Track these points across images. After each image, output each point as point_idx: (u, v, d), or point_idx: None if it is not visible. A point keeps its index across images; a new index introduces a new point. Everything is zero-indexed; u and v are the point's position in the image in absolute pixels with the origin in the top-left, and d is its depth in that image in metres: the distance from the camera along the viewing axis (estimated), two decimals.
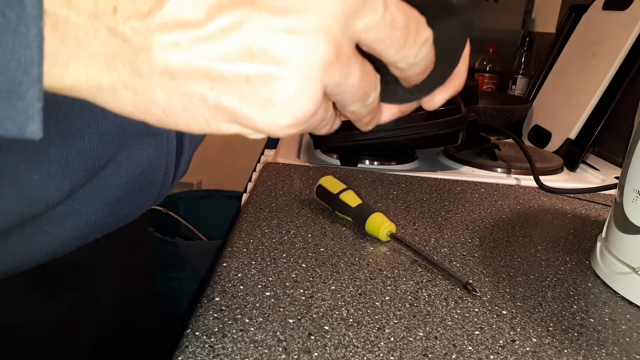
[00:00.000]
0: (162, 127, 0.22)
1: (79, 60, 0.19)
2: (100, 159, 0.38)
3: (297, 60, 0.20)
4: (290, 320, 0.38)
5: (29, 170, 0.34)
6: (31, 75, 0.19)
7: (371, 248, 0.50)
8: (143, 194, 0.45)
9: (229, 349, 0.34)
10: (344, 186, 0.57)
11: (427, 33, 0.24)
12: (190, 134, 0.24)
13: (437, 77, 0.31)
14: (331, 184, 0.58)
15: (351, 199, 0.55)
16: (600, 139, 0.87)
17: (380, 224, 0.51)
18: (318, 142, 0.76)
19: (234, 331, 0.36)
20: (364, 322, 0.38)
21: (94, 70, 0.20)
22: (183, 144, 0.46)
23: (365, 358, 0.34)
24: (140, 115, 0.22)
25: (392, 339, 0.37)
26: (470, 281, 0.45)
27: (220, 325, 0.36)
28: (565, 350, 0.37)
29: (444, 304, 0.41)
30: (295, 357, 0.34)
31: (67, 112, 0.34)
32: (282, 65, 0.20)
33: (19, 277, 0.45)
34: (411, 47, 0.24)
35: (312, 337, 0.36)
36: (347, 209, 0.55)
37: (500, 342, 0.37)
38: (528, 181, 0.76)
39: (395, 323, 0.38)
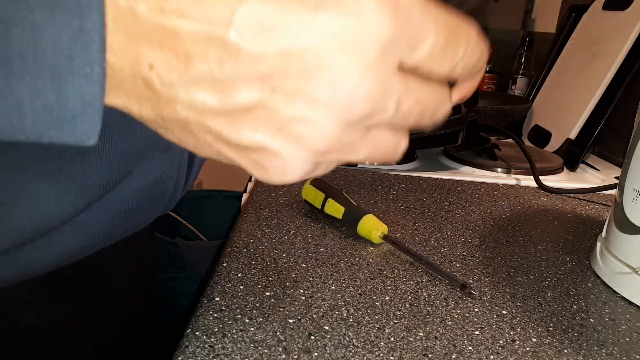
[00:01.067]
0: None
1: (117, 93, 0.23)
2: (116, 175, 0.38)
3: (287, 158, 0.24)
4: (290, 320, 0.38)
5: (45, 187, 0.35)
6: (94, 107, 0.22)
7: (371, 248, 0.50)
8: (152, 205, 0.45)
9: (229, 349, 0.34)
10: (323, 195, 0.55)
11: (444, 110, 0.27)
12: None
13: None
14: (312, 197, 0.56)
15: (335, 209, 0.54)
16: (600, 139, 0.87)
17: (370, 228, 0.51)
18: None
19: (234, 331, 0.36)
20: (364, 322, 0.38)
21: (127, 102, 0.24)
22: (194, 157, 0.46)
23: (365, 358, 0.34)
24: (161, 134, 0.26)
25: (392, 339, 0.37)
26: (470, 281, 0.45)
27: (220, 325, 0.36)
28: (565, 350, 0.37)
29: (444, 304, 0.41)
30: (295, 357, 0.34)
31: None
32: (275, 153, 0.24)
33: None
34: (426, 125, 0.27)
35: (312, 337, 0.36)
36: (336, 220, 0.54)
37: (500, 342, 0.37)
38: (528, 181, 0.76)
39: (395, 323, 0.38)
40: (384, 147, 0.26)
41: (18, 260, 0.39)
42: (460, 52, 0.25)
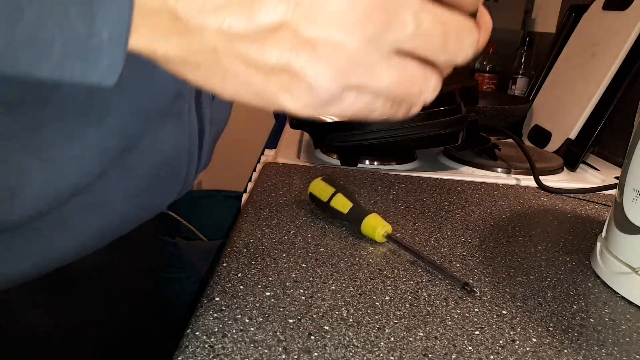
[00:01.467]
0: (201, 88, 0.27)
1: (143, 30, 0.24)
2: (131, 136, 0.38)
3: (311, 75, 0.24)
4: (290, 320, 0.38)
5: (60, 152, 0.34)
6: (121, 40, 0.23)
7: (371, 248, 0.50)
8: (167, 183, 0.45)
9: (229, 349, 0.34)
10: (333, 189, 0.55)
11: (473, 38, 0.26)
12: (222, 98, 0.27)
13: None
14: (320, 190, 0.56)
15: (342, 204, 0.54)
16: (600, 139, 0.87)
17: (375, 227, 0.51)
18: (318, 142, 0.76)
19: (234, 331, 0.36)
20: (364, 322, 0.38)
21: (152, 40, 0.24)
22: (204, 128, 0.46)
23: (365, 358, 0.34)
24: (185, 75, 0.26)
25: (392, 339, 0.37)
26: (470, 281, 0.45)
27: (220, 325, 0.36)
28: (565, 350, 0.37)
29: (444, 304, 0.41)
30: (295, 357, 0.34)
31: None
32: (300, 73, 0.24)
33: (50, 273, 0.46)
34: (453, 51, 0.26)
35: (312, 337, 0.36)
36: (340, 215, 0.54)
37: (500, 342, 0.37)
38: (528, 181, 0.76)
39: (395, 323, 0.38)
40: (409, 76, 0.25)
41: (34, 245, 0.39)
42: (450, 45, 0.25)
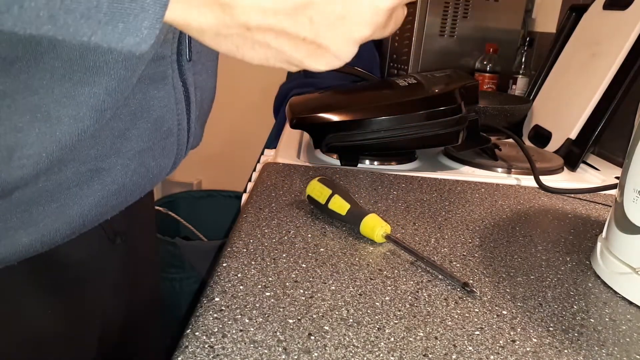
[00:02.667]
0: (231, 56, 0.31)
1: (178, 4, 0.27)
2: (125, 96, 0.38)
3: (337, 49, 0.30)
4: (290, 320, 0.38)
5: (59, 111, 0.35)
6: (160, 5, 0.26)
7: (371, 248, 0.50)
8: (161, 148, 0.46)
9: (229, 349, 0.34)
10: (330, 191, 0.55)
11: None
12: (248, 61, 0.31)
13: None
14: (317, 192, 0.56)
15: (339, 206, 0.54)
16: (600, 139, 0.87)
17: (374, 227, 0.51)
18: (318, 142, 0.76)
19: (234, 331, 0.36)
20: (364, 322, 0.38)
21: (187, 14, 0.27)
22: (189, 93, 0.47)
23: (365, 358, 0.34)
24: (215, 46, 0.29)
25: (392, 339, 0.36)
26: (470, 281, 0.45)
27: (220, 325, 0.36)
28: (566, 351, 0.37)
29: (444, 304, 0.41)
30: (295, 357, 0.34)
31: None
32: (327, 45, 0.30)
33: (22, 279, 0.45)
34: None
35: (312, 337, 0.36)
36: (339, 217, 0.54)
37: (501, 342, 0.37)
38: (528, 181, 0.76)
39: (395, 323, 0.38)
40: (399, 20, 0.32)
41: (37, 216, 0.39)
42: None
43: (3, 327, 0.44)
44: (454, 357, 0.35)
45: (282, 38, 0.28)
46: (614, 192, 0.71)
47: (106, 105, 0.37)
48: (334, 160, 0.80)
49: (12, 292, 0.44)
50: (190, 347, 0.34)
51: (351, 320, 0.38)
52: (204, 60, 0.49)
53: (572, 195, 0.72)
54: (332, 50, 0.29)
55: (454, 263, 0.49)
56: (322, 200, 0.55)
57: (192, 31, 0.29)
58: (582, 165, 0.89)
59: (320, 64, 0.30)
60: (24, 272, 0.44)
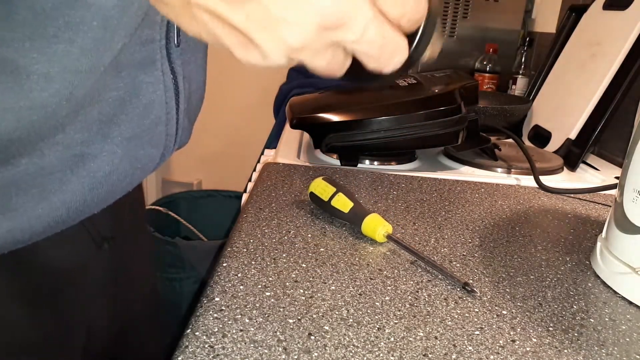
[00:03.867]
0: (169, 19, 0.30)
1: None
2: (102, 56, 0.37)
3: (267, 49, 0.28)
4: (290, 320, 0.38)
5: (30, 69, 0.34)
6: None
7: (371, 248, 0.50)
8: (150, 135, 0.45)
9: (229, 349, 0.34)
10: (334, 189, 0.55)
11: (402, 56, 0.30)
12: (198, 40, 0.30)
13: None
14: (321, 189, 0.56)
15: (343, 203, 0.54)
16: (600, 139, 0.87)
17: (375, 226, 0.51)
18: (318, 142, 0.76)
19: (234, 331, 0.36)
20: (364, 322, 0.38)
21: None
22: (178, 82, 0.47)
23: (365, 358, 0.34)
24: (159, 8, 0.29)
25: (392, 339, 0.37)
26: (470, 281, 0.45)
27: (220, 325, 0.36)
28: (565, 351, 0.37)
29: (444, 304, 0.41)
30: (295, 357, 0.34)
31: None
32: (258, 43, 0.28)
33: (21, 277, 0.45)
34: (385, 64, 0.30)
35: (312, 337, 0.36)
36: (341, 215, 0.54)
37: (500, 342, 0.37)
38: (528, 181, 0.76)
39: (395, 323, 0.38)
40: (338, 63, 0.30)
41: (23, 203, 0.38)
42: (383, 60, 0.29)
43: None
44: (454, 357, 0.35)
45: (217, 21, 0.28)
46: (613, 192, 0.71)
47: (82, 66, 0.36)
48: (334, 160, 0.80)
49: (9, 294, 0.44)
50: (190, 347, 0.34)
51: (351, 320, 0.38)
52: (193, 50, 0.49)
53: (572, 195, 0.72)
54: (263, 48, 0.28)
55: (454, 263, 0.49)
56: (325, 198, 0.55)
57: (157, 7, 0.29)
58: (582, 165, 0.89)
59: (249, 57, 0.29)
60: (4, 276, 0.44)
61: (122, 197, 0.47)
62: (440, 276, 0.46)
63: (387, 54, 0.29)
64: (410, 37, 0.40)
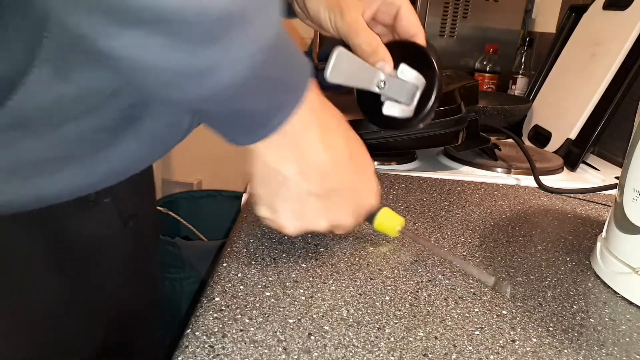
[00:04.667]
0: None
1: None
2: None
3: (284, 225, 0.42)
4: (290, 320, 0.38)
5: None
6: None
7: (371, 248, 0.50)
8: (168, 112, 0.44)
9: (229, 349, 0.34)
10: None
11: (346, 231, 0.46)
12: None
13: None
14: None
15: None
16: (600, 139, 0.87)
17: (390, 220, 0.50)
18: None
19: (234, 331, 0.36)
20: (364, 322, 0.38)
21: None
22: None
23: (365, 358, 0.34)
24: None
25: (392, 339, 0.37)
26: (501, 278, 0.45)
27: (220, 325, 0.36)
28: (565, 350, 0.37)
29: (444, 304, 0.41)
30: (295, 357, 0.34)
31: None
32: (277, 218, 0.42)
33: (56, 248, 0.46)
34: (337, 231, 0.46)
35: (312, 337, 0.36)
36: None
37: (500, 342, 0.37)
38: (528, 181, 0.76)
39: (395, 323, 0.38)
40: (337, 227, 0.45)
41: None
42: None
43: (15, 288, 0.45)
44: (454, 357, 0.35)
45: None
46: (613, 192, 0.71)
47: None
48: None
49: (25, 258, 0.45)
50: (190, 347, 0.34)
51: (351, 320, 0.38)
52: None
53: (572, 195, 0.72)
54: (282, 223, 0.42)
55: (454, 263, 0.49)
56: None
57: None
58: (582, 165, 0.89)
59: (266, 219, 0.43)
60: (41, 248, 0.45)
61: (141, 176, 0.47)
62: (440, 276, 0.46)
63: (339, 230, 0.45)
64: (426, 93, 0.53)
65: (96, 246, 0.51)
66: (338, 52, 0.44)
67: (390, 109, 0.53)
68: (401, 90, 0.52)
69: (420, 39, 0.53)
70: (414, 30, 0.53)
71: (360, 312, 0.39)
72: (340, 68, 0.45)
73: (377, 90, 0.50)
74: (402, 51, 0.52)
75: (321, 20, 0.52)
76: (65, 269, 0.48)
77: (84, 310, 0.51)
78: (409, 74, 0.52)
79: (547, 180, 0.75)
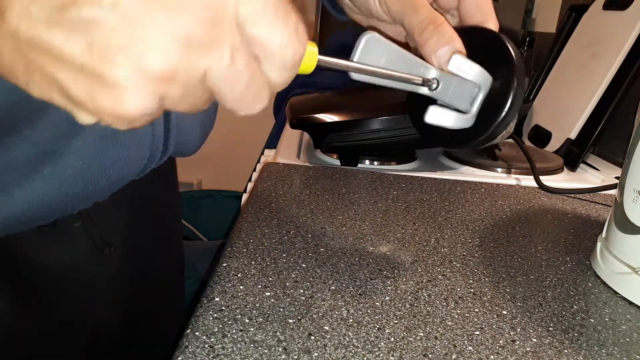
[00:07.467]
0: (7, 80, 0.23)
1: None
2: None
3: (120, 84, 0.22)
4: (290, 320, 0.38)
5: None
6: None
7: (371, 248, 0.50)
8: (128, 135, 0.43)
9: (229, 349, 0.34)
10: None
11: (264, 102, 0.26)
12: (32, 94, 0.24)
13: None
14: None
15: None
16: (600, 139, 0.87)
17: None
18: (318, 142, 0.76)
19: (234, 331, 0.36)
20: (364, 322, 0.38)
21: None
22: None
23: (365, 358, 0.34)
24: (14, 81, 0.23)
25: (392, 339, 0.36)
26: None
27: (220, 325, 0.36)
28: (566, 351, 0.37)
29: (444, 304, 0.41)
30: (295, 357, 0.34)
31: None
32: (109, 77, 0.22)
33: (13, 275, 0.45)
34: (246, 107, 0.25)
35: (312, 337, 0.36)
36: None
37: (501, 342, 0.37)
38: (528, 181, 0.76)
39: (395, 323, 0.38)
40: (201, 102, 0.25)
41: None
42: (247, 101, 0.25)
43: None
44: (454, 357, 0.35)
45: (55, 63, 0.22)
46: (614, 192, 0.71)
47: None
48: (334, 160, 0.80)
49: (10, 293, 0.44)
50: (190, 347, 0.34)
51: (351, 320, 0.38)
52: None
53: (572, 195, 0.72)
54: (117, 85, 0.22)
55: (454, 263, 0.49)
56: None
57: None
58: (582, 165, 0.89)
59: (103, 102, 0.22)
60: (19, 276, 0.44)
61: (122, 199, 0.46)
62: (440, 276, 0.46)
63: (251, 95, 0.25)
64: (494, 96, 0.38)
65: (64, 273, 0.48)
66: (368, 37, 0.32)
67: (436, 116, 0.38)
68: (457, 92, 0.37)
69: (492, 25, 0.42)
70: (483, 11, 0.42)
71: (360, 312, 0.39)
72: (370, 59, 0.32)
73: (425, 91, 0.36)
74: (465, 40, 0.38)
75: (369, 3, 0.42)
76: (27, 296, 0.46)
77: (57, 337, 0.50)
78: (468, 68, 0.37)
79: (547, 180, 0.75)
